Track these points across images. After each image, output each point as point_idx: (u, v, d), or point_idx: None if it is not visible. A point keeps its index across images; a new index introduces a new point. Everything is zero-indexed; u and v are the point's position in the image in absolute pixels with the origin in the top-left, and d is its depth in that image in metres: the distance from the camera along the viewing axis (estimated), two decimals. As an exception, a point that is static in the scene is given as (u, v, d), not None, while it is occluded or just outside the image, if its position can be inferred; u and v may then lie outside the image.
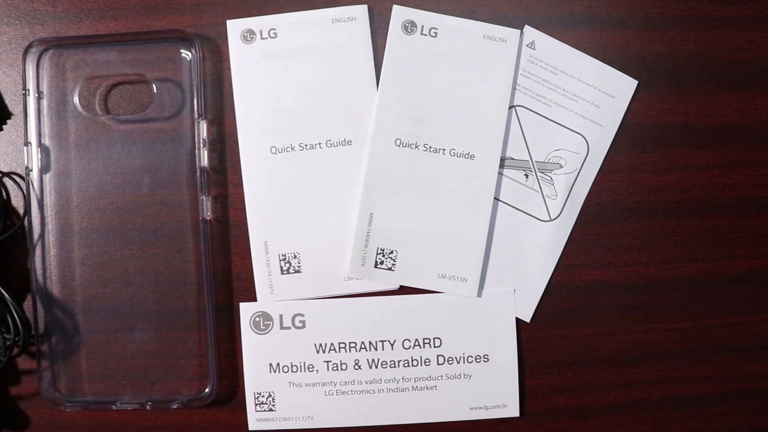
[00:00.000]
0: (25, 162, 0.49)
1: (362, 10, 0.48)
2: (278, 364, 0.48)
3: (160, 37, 0.48)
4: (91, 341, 0.49)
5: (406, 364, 0.48)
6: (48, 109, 0.49)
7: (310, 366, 0.48)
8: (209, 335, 0.48)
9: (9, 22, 0.50)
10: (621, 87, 0.49)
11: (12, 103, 0.51)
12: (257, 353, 0.48)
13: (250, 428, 0.49)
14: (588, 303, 0.49)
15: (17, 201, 0.51)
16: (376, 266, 0.48)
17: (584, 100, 0.48)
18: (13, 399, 0.51)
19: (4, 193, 0.50)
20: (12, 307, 0.48)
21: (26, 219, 0.49)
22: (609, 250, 0.49)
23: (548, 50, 0.48)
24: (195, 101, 0.48)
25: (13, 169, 0.50)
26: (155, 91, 0.48)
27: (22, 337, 0.48)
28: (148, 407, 0.49)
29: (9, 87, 0.50)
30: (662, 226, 0.50)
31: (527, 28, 0.48)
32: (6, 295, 0.48)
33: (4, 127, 0.51)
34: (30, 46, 0.49)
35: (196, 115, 0.48)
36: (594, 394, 0.49)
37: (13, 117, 0.50)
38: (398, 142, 0.48)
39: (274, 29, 0.48)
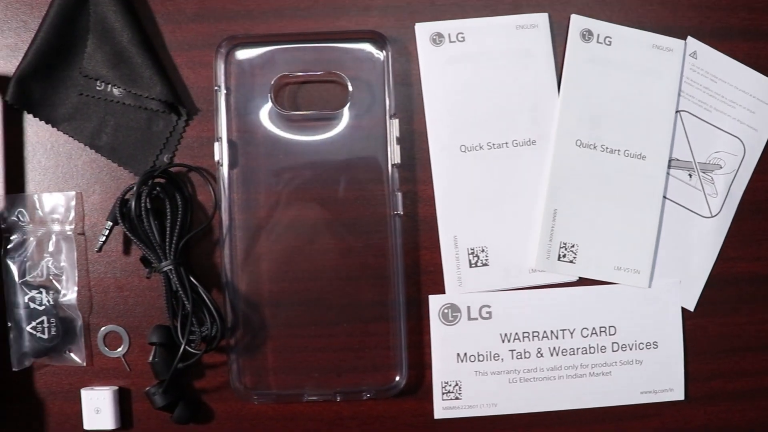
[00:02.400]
0: (216, 157, 0.50)
1: (543, 18, 0.51)
2: (465, 354, 0.51)
3: (354, 37, 0.50)
4: (278, 335, 0.50)
5: (584, 352, 0.51)
6: (238, 105, 0.50)
7: (496, 355, 0.51)
8: (400, 327, 0.49)
9: (199, 20, 0.51)
10: (773, 95, 0.53)
11: (198, 100, 0.51)
12: (445, 344, 0.50)
13: (436, 417, 0.51)
14: (744, 293, 0.53)
15: (202, 196, 0.51)
16: (559, 259, 0.51)
17: (741, 107, 0.53)
18: (197, 392, 0.51)
19: (190, 188, 0.51)
20: (208, 301, 0.48)
21: (216, 213, 0.50)
22: (763, 245, 0.53)
23: (708, 59, 0.52)
24: (387, 100, 0.50)
25: (199, 165, 0.51)
26: (350, 89, 0.49)
27: (219, 330, 0.48)
28: (337, 399, 0.50)
29: (197, 83, 0.51)
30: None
31: (690, 39, 0.52)
32: (202, 289, 0.48)
33: (190, 122, 0.51)
34: (221, 43, 0.50)
35: (388, 114, 0.50)
36: (750, 379, 0.53)
37: (199, 113, 0.51)
38: (579, 143, 0.51)
39: (462, 33, 0.51)
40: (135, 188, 0.49)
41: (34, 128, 0.52)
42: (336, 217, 0.50)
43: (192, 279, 0.48)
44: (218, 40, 0.50)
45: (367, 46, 0.50)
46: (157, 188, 0.49)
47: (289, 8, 0.51)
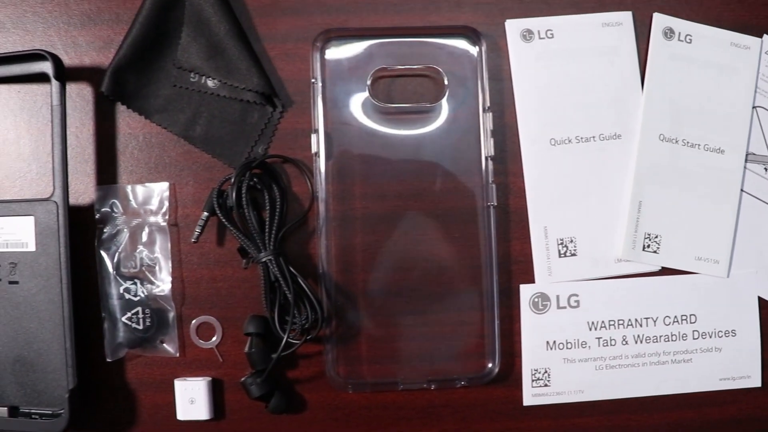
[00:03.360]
0: (313, 148, 0.50)
1: (628, 16, 0.53)
2: (554, 342, 0.52)
3: (449, 32, 0.51)
4: (372, 324, 0.51)
5: (666, 339, 0.53)
6: (334, 97, 0.51)
7: (583, 342, 0.52)
8: (494, 316, 0.51)
9: (293, 13, 0.52)
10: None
11: (291, 92, 0.52)
12: (535, 332, 0.52)
13: (525, 404, 0.52)
14: (815, 283, 0.55)
15: (296, 187, 0.52)
16: (643, 249, 0.52)
17: (813, 103, 0.55)
18: (290, 382, 0.52)
19: (285, 180, 0.51)
20: (308, 291, 0.49)
21: (313, 204, 0.50)
22: (832, 236, 0.55)
23: (782, 57, 0.54)
24: (482, 94, 0.51)
25: (292, 156, 0.51)
26: (446, 83, 0.50)
27: (319, 320, 0.49)
28: (432, 387, 0.51)
29: (290, 75, 0.52)
30: None
31: (766, 37, 0.54)
32: (302, 279, 0.49)
33: (285, 114, 0.52)
34: (318, 37, 0.50)
35: (481, 108, 0.51)
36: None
37: (293, 105, 0.52)
38: (662, 137, 0.52)
39: (551, 30, 0.52)
40: (233, 179, 0.49)
41: (126, 120, 0.52)
42: (430, 209, 0.51)
43: (292, 269, 0.49)
44: (311, 33, 0.51)
45: (461, 42, 0.51)
46: (255, 179, 0.50)
47: (383, 3, 0.52)
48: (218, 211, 0.49)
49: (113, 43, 0.52)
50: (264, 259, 0.49)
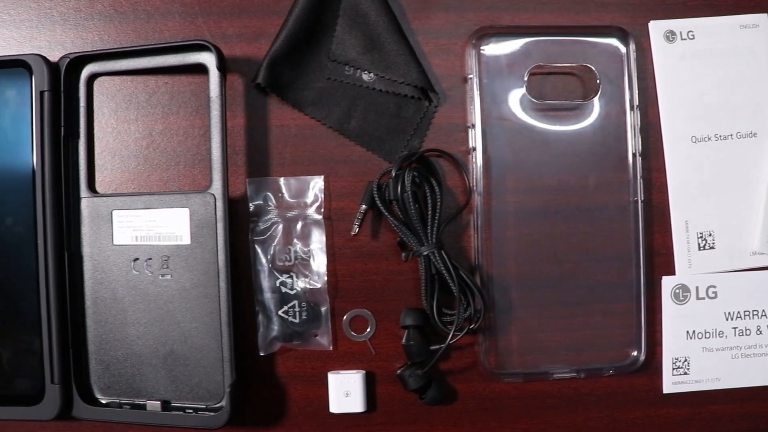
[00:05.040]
0: (470, 143, 0.51)
1: (764, 18, 0.55)
2: (693, 331, 0.54)
3: (600, 32, 0.52)
4: (524, 316, 0.52)
5: (797, 329, 0.55)
6: (489, 93, 0.51)
7: (720, 332, 0.54)
8: (640, 306, 0.52)
9: (448, 9, 0.52)
10: None
11: (445, 87, 0.52)
12: (676, 322, 0.53)
13: (665, 391, 0.54)
14: None
15: (450, 181, 0.52)
16: (777, 243, 0.55)
17: None
18: (443, 374, 0.52)
19: (440, 173, 0.52)
20: (470, 283, 0.50)
21: (471, 198, 0.51)
22: None
23: None
24: (630, 92, 0.52)
25: (446, 150, 0.52)
26: (599, 81, 0.52)
27: (482, 311, 0.50)
28: (582, 376, 0.52)
29: (444, 70, 0.52)
30: None
31: None
32: (464, 271, 0.50)
33: (439, 109, 0.52)
34: (474, 34, 0.51)
35: (629, 105, 0.52)
36: None
37: (448, 99, 0.52)
38: (792, 134, 0.55)
39: (692, 31, 0.54)
40: (394, 172, 0.49)
41: (276, 112, 0.52)
42: (579, 203, 0.52)
43: (454, 262, 0.49)
44: (464, 29, 0.52)
45: (612, 41, 0.52)
46: (415, 173, 0.50)
47: (533, 2, 0.53)
48: (379, 205, 0.50)
49: (263, 34, 0.51)
50: (426, 252, 0.49)
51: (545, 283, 0.52)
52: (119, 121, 0.52)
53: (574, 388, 0.53)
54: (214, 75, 0.49)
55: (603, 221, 0.52)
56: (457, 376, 0.52)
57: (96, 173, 0.52)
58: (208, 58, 0.49)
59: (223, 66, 0.49)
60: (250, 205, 0.51)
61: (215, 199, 0.49)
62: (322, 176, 0.51)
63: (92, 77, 0.52)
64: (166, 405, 0.50)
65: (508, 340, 0.52)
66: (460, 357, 0.52)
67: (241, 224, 0.51)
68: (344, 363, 0.52)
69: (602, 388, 0.53)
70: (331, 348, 0.51)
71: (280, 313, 0.51)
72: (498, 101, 0.51)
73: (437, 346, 0.50)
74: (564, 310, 0.52)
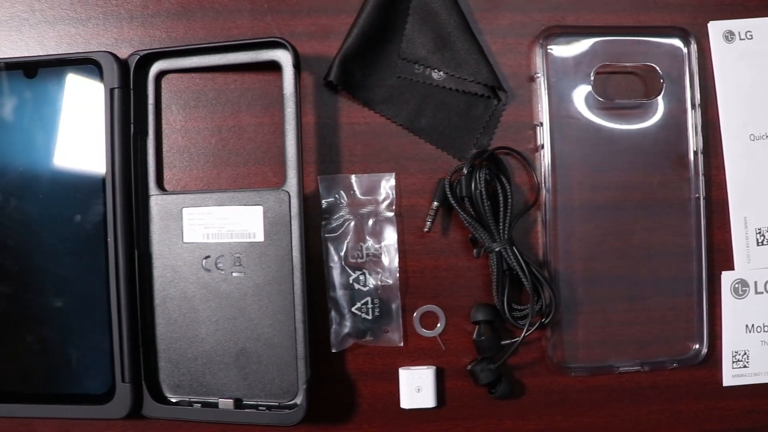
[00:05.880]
0: (538, 141, 0.52)
1: (815, 19, 0.56)
2: (753, 325, 0.55)
3: (662, 32, 0.53)
4: (590, 310, 0.53)
5: (844, 322, 0.57)
6: (556, 92, 0.52)
7: (777, 326, 0.56)
8: (702, 300, 0.53)
9: (515, 9, 0.53)
10: None
11: (513, 85, 0.53)
12: (735, 316, 0.55)
13: (725, 384, 0.55)
14: None
15: (518, 178, 0.53)
16: (827, 238, 0.56)
17: None
18: (511, 369, 0.53)
19: (509, 170, 0.52)
20: (542, 278, 0.50)
21: (540, 195, 0.52)
22: None
23: None
24: (691, 91, 0.53)
25: (515, 147, 0.52)
26: (662, 81, 0.53)
27: (553, 306, 0.50)
28: (646, 369, 0.53)
29: (511, 69, 0.53)
30: None
31: None
32: (535, 267, 0.50)
33: (507, 107, 0.53)
34: (541, 33, 0.52)
35: (690, 104, 0.53)
36: None
37: (515, 98, 0.53)
38: (843, 133, 0.57)
39: (750, 31, 0.55)
40: (466, 169, 0.50)
41: (345, 110, 0.52)
42: (643, 200, 0.53)
43: (526, 258, 0.50)
44: (530, 29, 0.53)
45: (674, 41, 0.53)
46: (486, 170, 0.50)
47: (597, 2, 0.54)
48: (452, 201, 0.50)
49: (332, 33, 0.52)
50: (498, 249, 0.50)
51: (610, 278, 0.53)
52: (187, 119, 0.52)
53: (637, 381, 0.54)
54: (288, 72, 0.49)
55: (665, 217, 0.53)
56: (524, 371, 0.53)
57: (164, 171, 0.52)
58: (283, 56, 0.49)
59: (297, 63, 0.49)
60: (323, 202, 0.51)
61: (290, 196, 0.49)
62: (394, 174, 0.52)
63: (161, 74, 0.51)
64: (238, 403, 0.50)
65: (574, 334, 0.53)
66: (528, 352, 0.53)
67: (312, 221, 0.51)
68: (414, 359, 0.52)
69: (664, 381, 0.54)
70: (401, 344, 0.52)
71: (353, 309, 0.51)
72: (565, 100, 0.52)
73: (508, 341, 0.51)
74: (628, 305, 0.53)
